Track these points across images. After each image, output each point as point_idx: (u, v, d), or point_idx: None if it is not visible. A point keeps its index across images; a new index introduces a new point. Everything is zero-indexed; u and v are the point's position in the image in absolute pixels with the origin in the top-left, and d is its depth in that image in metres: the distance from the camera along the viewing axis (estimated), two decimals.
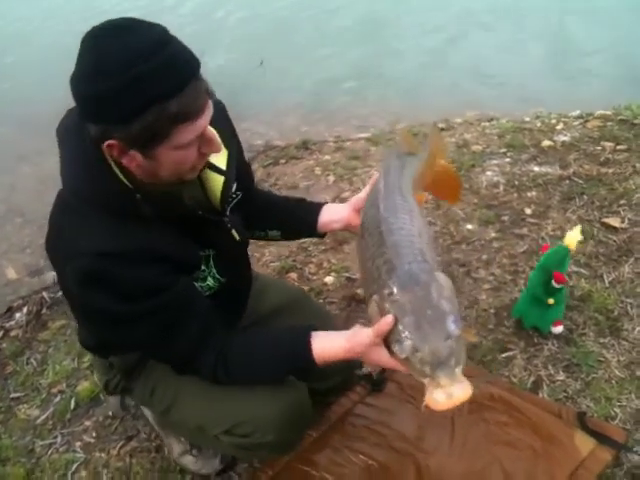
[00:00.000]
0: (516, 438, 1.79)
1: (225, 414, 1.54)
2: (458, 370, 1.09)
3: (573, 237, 2.00)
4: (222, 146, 1.33)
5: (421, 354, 1.10)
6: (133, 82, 1.10)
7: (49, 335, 2.61)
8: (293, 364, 1.43)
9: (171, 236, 1.34)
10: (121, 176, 1.27)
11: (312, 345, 1.37)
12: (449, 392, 1.07)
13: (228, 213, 1.51)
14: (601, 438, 1.75)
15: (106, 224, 1.27)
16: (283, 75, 5.13)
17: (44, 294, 2.83)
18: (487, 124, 3.92)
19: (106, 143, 1.17)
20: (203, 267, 1.46)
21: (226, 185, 1.43)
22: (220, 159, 1.42)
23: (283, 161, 3.78)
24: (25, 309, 2.78)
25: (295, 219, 1.75)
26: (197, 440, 1.83)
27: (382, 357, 1.26)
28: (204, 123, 1.21)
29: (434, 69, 5.10)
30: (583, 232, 2.60)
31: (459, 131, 3.86)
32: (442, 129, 3.92)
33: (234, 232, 1.52)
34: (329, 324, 1.81)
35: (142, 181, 1.28)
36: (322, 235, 1.79)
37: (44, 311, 2.76)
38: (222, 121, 1.47)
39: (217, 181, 1.42)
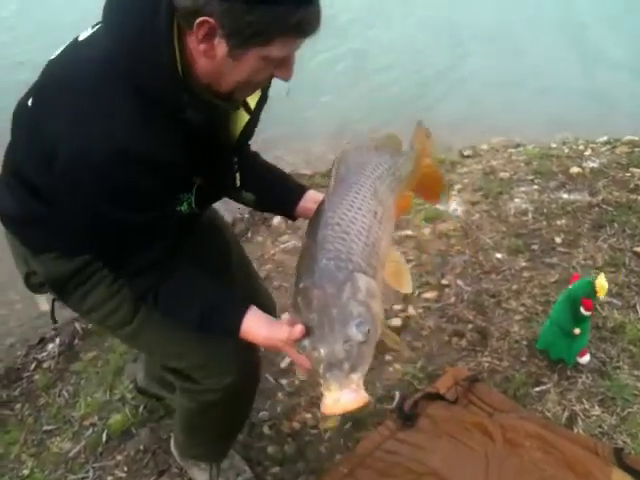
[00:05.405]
0: (551, 475, 1.77)
1: (191, 349, 1.55)
2: (354, 376, 1.05)
3: (603, 286, 1.98)
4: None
5: (317, 353, 1.09)
6: None
7: (81, 366, 2.63)
8: (219, 328, 1.40)
9: (184, 151, 1.26)
10: (179, 60, 1.17)
11: (244, 321, 1.36)
12: (336, 397, 1.04)
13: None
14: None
15: (135, 114, 1.17)
16: (309, 104, 5.17)
17: (76, 325, 2.84)
18: (513, 150, 3.91)
19: (202, 18, 1.08)
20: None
21: (248, 124, 1.41)
22: (252, 98, 1.39)
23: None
24: (57, 340, 2.81)
25: (275, 191, 1.67)
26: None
27: (293, 353, 1.26)
28: (299, 45, 1.21)
29: (458, 96, 5.10)
30: (615, 260, 2.59)
31: (486, 158, 3.85)
32: (468, 156, 3.92)
33: (237, 176, 1.49)
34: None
35: (196, 80, 1.21)
36: (295, 218, 1.71)
37: (76, 342, 2.78)
38: None
39: (242, 118, 1.40)
